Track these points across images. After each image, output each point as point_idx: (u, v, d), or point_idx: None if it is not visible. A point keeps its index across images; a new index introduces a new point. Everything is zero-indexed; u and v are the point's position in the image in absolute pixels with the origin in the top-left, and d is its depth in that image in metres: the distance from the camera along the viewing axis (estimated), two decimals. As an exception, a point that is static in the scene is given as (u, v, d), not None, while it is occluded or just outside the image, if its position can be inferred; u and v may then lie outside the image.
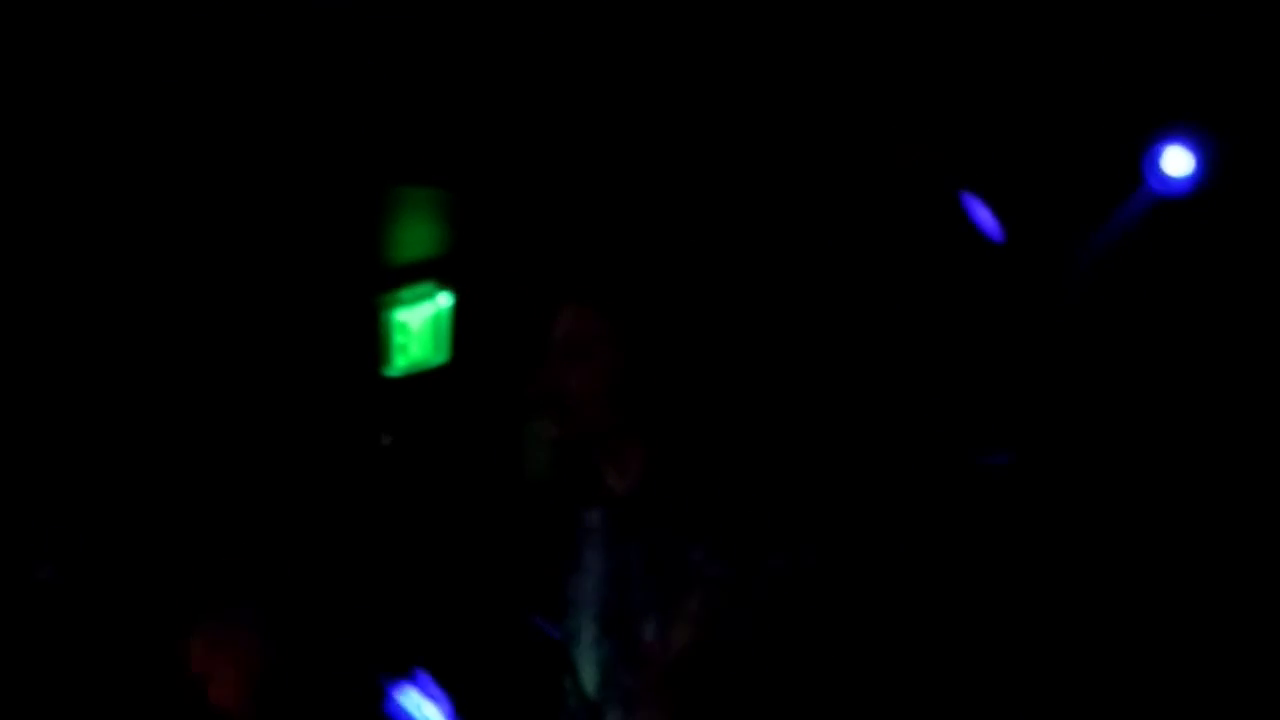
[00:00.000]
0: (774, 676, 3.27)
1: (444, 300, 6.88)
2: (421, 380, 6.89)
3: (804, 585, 3.30)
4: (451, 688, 5.17)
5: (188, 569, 6.29)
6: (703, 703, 3.14)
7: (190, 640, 5.22)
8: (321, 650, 5.27)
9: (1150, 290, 5.76)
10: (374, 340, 6.95)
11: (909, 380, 6.08)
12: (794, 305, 6.28)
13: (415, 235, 6.78)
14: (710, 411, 3.45)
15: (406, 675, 5.19)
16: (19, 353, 6.53)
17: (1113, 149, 5.62)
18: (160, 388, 6.72)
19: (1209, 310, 5.70)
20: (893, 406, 6.11)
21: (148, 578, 6.35)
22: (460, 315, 6.88)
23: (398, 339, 6.94)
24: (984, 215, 5.66)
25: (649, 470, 3.39)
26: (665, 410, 3.39)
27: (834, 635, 3.40)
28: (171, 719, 5.66)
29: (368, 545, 6.78)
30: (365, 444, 6.82)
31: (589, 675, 3.43)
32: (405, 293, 6.94)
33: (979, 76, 5.56)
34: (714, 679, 3.18)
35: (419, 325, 6.90)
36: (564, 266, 3.52)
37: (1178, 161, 5.63)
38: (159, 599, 6.10)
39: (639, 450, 3.40)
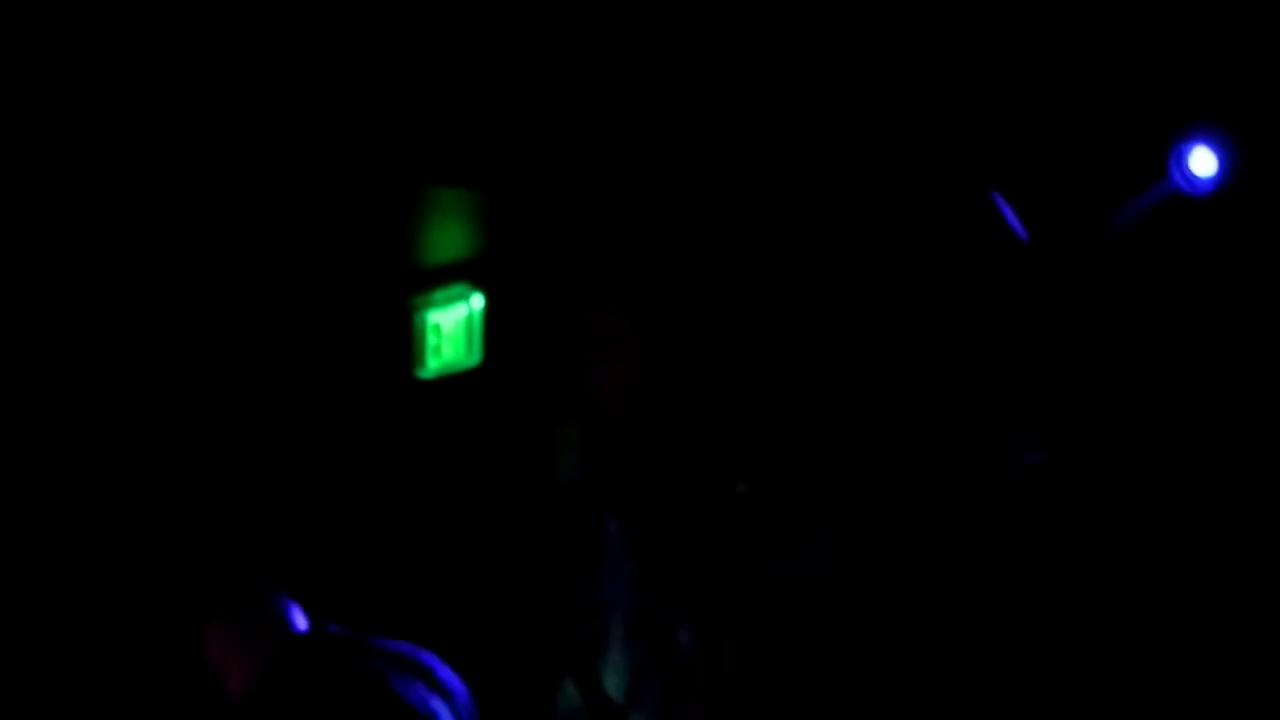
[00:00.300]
0: (812, 677, 3.30)
1: (476, 302, 6.84)
2: (454, 382, 6.88)
3: (844, 586, 3.33)
4: (470, 684, 5.18)
5: (207, 564, 6.32)
6: (743, 703, 3.17)
7: (205, 633, 5.26)
8: (336, 645, 5.30)
9: (1166, 284, 5.77)
10: (406, 342, 6.94)
11: (938, 378, 6.10)
12: (822, 304, 6.29)
13: (447, 237, 6.78)
14: (739, 410, 3.47)
15: (418, 668, 5.20)
16: (54, 354, 6.57)
17: (1139, 144, 5.62)
18: (191, 387, 6.74)
19: (1223, 306, 5.72)
20: (923, 406, 6.13)
21: (167, 571, 6.38)
22: (493, 317, 6.82)
23: (430, 341, 6.91)
24: (1009, 212, 5.68)
25: (676, 472, 3.42)
26: (693, 409, 3.42)
27: (872, 635, 3.43)
28: (187, 712, 5.70)
29: (393, 543, 6.80)
30: (397, 445, 6.82)
31: (615, 676, 3.45)
32: (437, 294, 6.91)
33: (1003, 69, 5.57)
34: (755, 681, 3.21)
35: (451, 327, 6.87)
36: (594, 266, 3.53)
37: (1204, 162, 5.63)
38: (177, 592, 6.12)
39: (665, 451, 3.42)
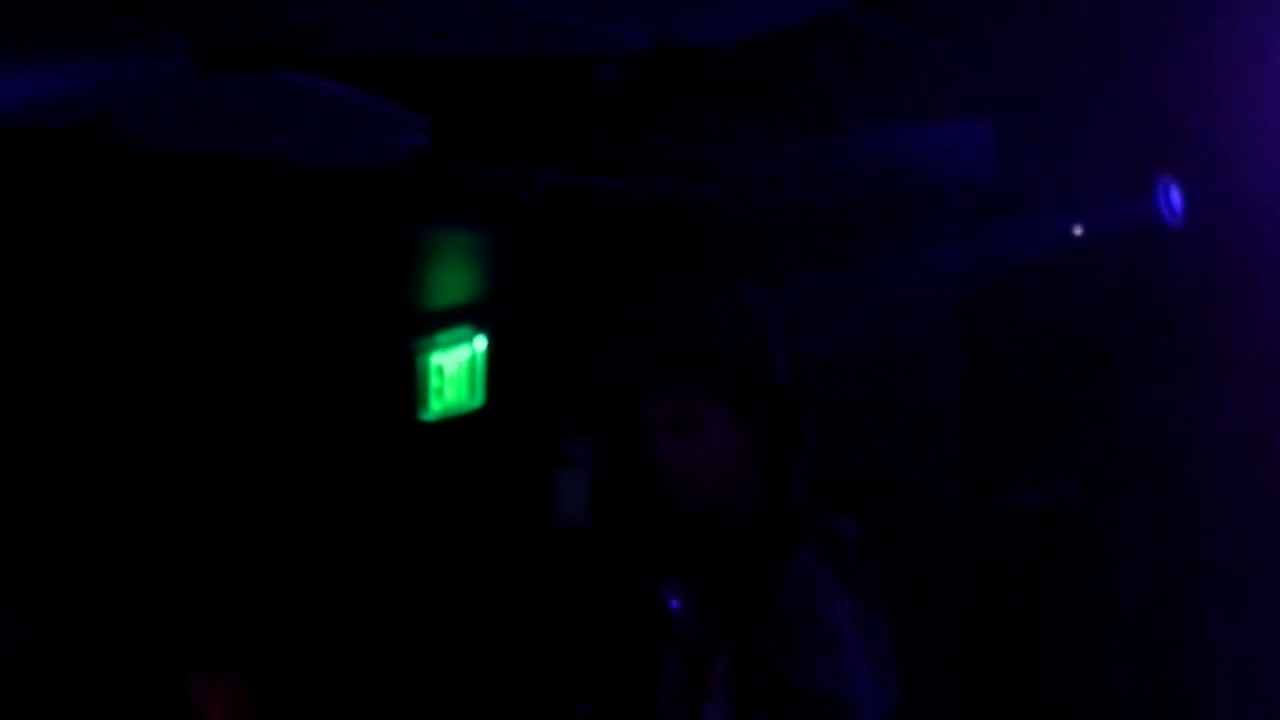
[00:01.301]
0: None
1: (479, 344, 6.93)
2: (456, 424, 6.94)
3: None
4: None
5: (199, 609, 6.35)
6: None
7: (187, 674, 5.31)
8: (315, 688, 5.33)
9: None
10: (410, 384, 6.99)
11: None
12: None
13: (451, 280, 6.87)
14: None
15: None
16: (49, 389, 6.58)
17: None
18: (192, 428, 6.75)
19: None
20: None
21: (153, 615, 6.40)
22: (495, 359, 6.93)
23: (433, 383, 6.98)
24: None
25: (742, 550, 3.54)
26: (770, 485, 3.55)
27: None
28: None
29: (394, 582, 6.85)
30: (399, 486, 6.85)
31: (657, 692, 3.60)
32: (441, 337, 6.98)
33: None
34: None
35: (454, 369, 6.95)
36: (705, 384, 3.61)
37: (1179, 197, 5.81)
38: (161, 635, 6.14)
39: (735, 529, 3.54)
